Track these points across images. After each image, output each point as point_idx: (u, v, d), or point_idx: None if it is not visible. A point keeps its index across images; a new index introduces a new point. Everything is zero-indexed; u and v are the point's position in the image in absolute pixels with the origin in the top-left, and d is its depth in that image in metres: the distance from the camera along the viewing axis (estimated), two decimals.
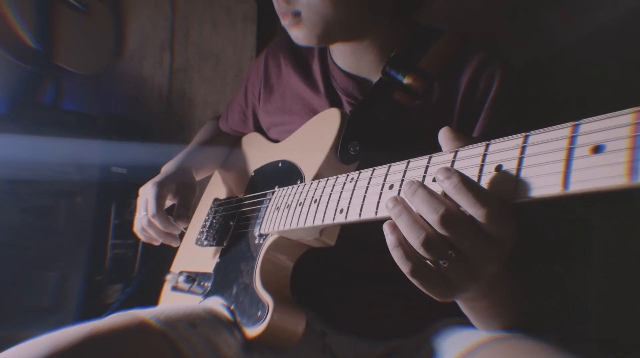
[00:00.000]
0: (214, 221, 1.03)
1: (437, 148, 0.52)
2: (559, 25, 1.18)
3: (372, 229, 0.57)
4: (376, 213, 0.56)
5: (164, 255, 1.16)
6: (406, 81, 0.82)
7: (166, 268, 1.15)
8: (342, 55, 0.93)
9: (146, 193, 0.95)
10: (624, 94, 1.07)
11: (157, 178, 0.97)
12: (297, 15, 0.80)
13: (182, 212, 0.96)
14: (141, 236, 0.98)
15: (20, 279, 1.46)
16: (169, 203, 0.98)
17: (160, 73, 1.89)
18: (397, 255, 0.48)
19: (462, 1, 1.36)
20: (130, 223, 1.62)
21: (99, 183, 1.56)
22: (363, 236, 0.76)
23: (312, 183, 0.73)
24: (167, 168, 1.04)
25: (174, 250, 1.14)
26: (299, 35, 0.83)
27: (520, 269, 0.66)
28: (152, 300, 1.14)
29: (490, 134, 0.47)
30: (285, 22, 0.83)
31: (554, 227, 1.03)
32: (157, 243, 0.98)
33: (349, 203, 0.61)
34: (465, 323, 0.73)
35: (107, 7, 1.87)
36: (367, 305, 0.88)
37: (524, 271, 0.68)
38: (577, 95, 1.12)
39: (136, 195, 0.99)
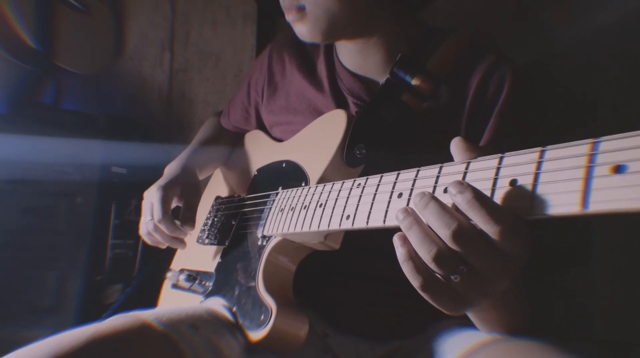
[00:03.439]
0: (215, 219, 1.03)
1: (445, 152, 0.52)
2: (559, 26, 1.18)
3: (374, 231, 0.57)
4: (384, 221, 0.55)
5: (164, 255, 1.16)
6: (414, 82, 0.81)
7: (166, 268, 1.15)
8: (349, 54, 0.91)
9: (151, 197, 0.94)
10: (625, 94, 1.07)
11: (162, 181, 0.97)
12: (301, 9, 0.80)
13: (188, 216, 0.95)
14: (147, 240, 0.98)
15: (20, 279, 1.45)
16: (173, 205, 0.98)
17: (160, 73, 1.88)
18: (407, 269, 0.47)
19: (462, 1, 1.36)
20: (130, 223, 1.64)
21: (99, 183, 1.56)
22: (365, 238, 0.76)
23: (317, 187, 0.72)
24: (170, 170, 1.04)
25: (175, 250, 1.14)
26: (303, 30, 0.82)
27: (528, 276, 0.66)
28: (152, 300, 1.14)
29: (499, 139, 0.46)
30: (289, 17, 0.82)
31: (553, 226, 1.04)
32: (163, 247, 0.98)
33: (356, 210, 0.60)
34: (466, 324, 0.73)
35: (107, 7, 1.87)
36: (368, 306, 0.88)
37: (532, 279, 0.68)
38: (577, 95, 1.13)
39: (136, 195, 0.98)
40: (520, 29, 1.24)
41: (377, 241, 0.51)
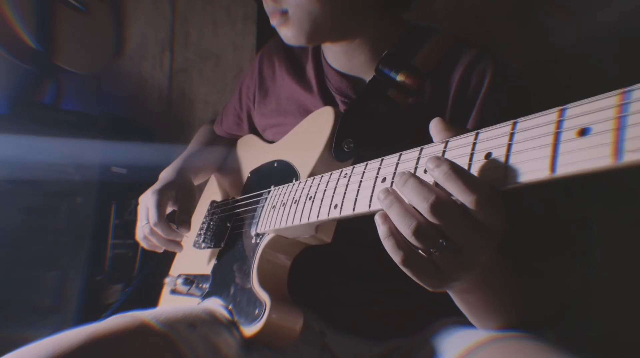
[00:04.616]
0: (211, 223, 1.03)
1: (430, 143, 0.53)
2: (559, 25, 1.18)
3: (369, 227, 0.57)
4: (369, 206, 0.57)
5: (164, 255, 1.16)
6: (399, 78, 0.83)
7: (166, 268, 1.15)
8: (335, 55, 0.93)
9: (146, 202, 0.95)
10: None
11: (157, 186, 0.98)
12: (284, 13, 0.81)
13: (184, 218, 0.96)
14: (144, 245, 0.98)
15: (21, 279, 1.45)
16: (169, 209, 0.98)
17: (160, 73, 1.88)
18: (388, 245, 0.49)
19: (462, 1, 1.36)
20: (130, 223, 1.64)
21: (99, 183, 1.56)
22: (361, 235, 0.76)
23: (306, 181, 0.73)
24: (165, 175, 1.04)
25: (174, 252, 1.14)
26: (288, 34, 0.84)
27: (517, 265, 0.66)
28: (152, 300, 1.15)
29: (482, 128, 0.48)
30: (273, 21, 0.84)
31: (553, 226, 1.04)
32: (160, 251, 0.98)
33: (343, 198, 0.62)
34: (464, 323, 0.73)
35: (107, 7, 1.87)
36: (366, 305, 0.88)
37: (523, 269, 0.68)
38: (578, 95, 1.12)
39: (136, 195, 0.99)
40: (520, 29, 1.24)
41: (374, 238, 0.51)
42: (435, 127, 0.52)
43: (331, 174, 0.67)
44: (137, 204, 0.99)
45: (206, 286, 0.93)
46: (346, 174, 0.64)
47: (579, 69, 1.14)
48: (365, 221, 0.58)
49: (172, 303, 1.04)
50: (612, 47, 1.10)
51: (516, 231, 0.50)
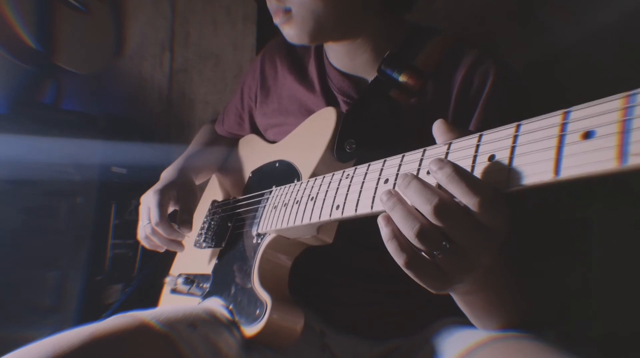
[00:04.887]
0: (212, 223, 1.03)
1: (433, 144, 0.53)
2: (559, 25, 1.18)
3: (370, 228, 0.57)
4: (372, 207, 0.56)
5: (164, 255, 1.16)
6: (402, 79, 0.83)
7: (167, 268, 1.15)
8: (337, 55, 0.93)
9: (148, 202, 0.95)
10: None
11: (158, 186, 0.98)
12: (287, 12, 0.81)
13: (185, 218, 0.96)
14: (145, 244, 0.98)
15: (21, 279, 1.45)
16: (170, 209, 0.98)
17: (160, 73, 1.88)
18: (391, 247, 0.48)
19: (462, 1, 1.36)
20: (130, 223, 1.64)
21: (99, 183, 1.56)
22: (362, 235, 0.76)
23: (309, 181, 0.73)
24: (166, 174, 1.05)
25: (174, 251, 1.14)
26: (291, 32, 0.84)
27: (519, 266, 0.66)
28: (152, 300, 1.15)
29: (485, 129, 0.48)
30: (277, 20, 0.84)
31: (554, 226, 1.04)
32: (161, 250, 0.98)
33: (345, 199, 0.61)
34: (464, 323, 0.73)
35: (107, 7, 1.86)
36: (366, 305, 0.88)
37: (524, 269, 0.68)
38: (578, 95, 1.12)
39: (136, 195, 0.99)
40: (520, 29, 1.24)
41: (375, 238, 0.51)
42: (438, 128, 0.52)
43: (333, 174, 0.67)
44: (137, 204, 0.99)
45: (207, 285, 0.93)
46: (348, 175, 0.64)
47: (579, 69, 1.14)
48: (366, 222, 0.58)
49: (173, 303, 1.04)
50: (612, 47, 1.10)
51: (519, 233, 0.50)
